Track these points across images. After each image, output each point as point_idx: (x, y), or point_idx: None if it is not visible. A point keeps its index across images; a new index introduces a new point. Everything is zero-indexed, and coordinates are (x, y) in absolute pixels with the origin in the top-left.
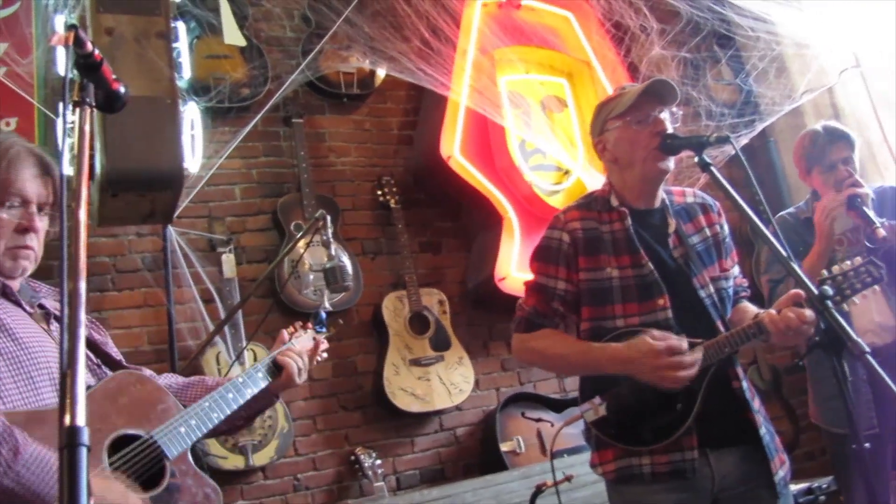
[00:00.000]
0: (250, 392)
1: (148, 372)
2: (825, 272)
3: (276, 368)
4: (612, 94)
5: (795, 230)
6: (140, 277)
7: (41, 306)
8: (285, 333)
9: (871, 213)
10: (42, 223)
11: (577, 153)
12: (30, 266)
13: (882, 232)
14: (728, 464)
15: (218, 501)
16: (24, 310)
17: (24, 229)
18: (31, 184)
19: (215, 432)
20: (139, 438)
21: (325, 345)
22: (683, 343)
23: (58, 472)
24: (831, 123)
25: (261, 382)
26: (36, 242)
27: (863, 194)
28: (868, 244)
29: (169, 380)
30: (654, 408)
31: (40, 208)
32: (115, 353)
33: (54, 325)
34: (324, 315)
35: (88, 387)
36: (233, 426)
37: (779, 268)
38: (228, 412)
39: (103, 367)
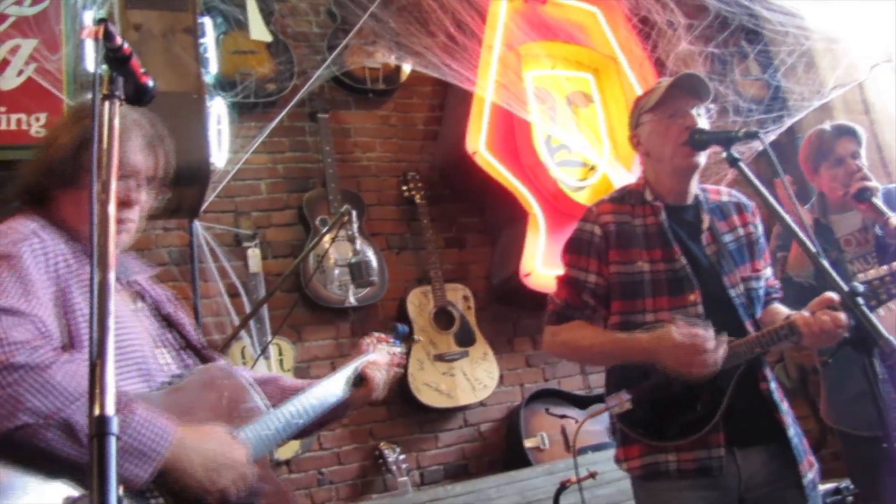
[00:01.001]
0: (334, 401)
1: (222, 360)
2: (861, 276)
3: (357, 380)
4: (649, 88)
5: (796, 236)
6: (166, 272)
7: (133, 283)
8: (366, 344)
9: (883, 206)
10: (144, 196)
11: (602, 149)
12: (127, 239)
13: (895, 221)
14: (755, 463)
15: None
16: (116, 286)
17: (125, 203)
18: (135, 156)
19: (292, 437)
20: None
21: (397, 359)
22: (709, 330)
23: (166, 431)
24: (837, 122)
25: (344, 392)
26: (136, 215)
27: (873, 187)
28: (881, 233)
29: (245, 373)
30: (681, 403)
31: (145, 181)
32: (195, 336)
33: (139, 305)
34: (404, 329)
35: (178, 376)
36: (303, 432)
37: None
38: (312, 419)
39: (183, 351)
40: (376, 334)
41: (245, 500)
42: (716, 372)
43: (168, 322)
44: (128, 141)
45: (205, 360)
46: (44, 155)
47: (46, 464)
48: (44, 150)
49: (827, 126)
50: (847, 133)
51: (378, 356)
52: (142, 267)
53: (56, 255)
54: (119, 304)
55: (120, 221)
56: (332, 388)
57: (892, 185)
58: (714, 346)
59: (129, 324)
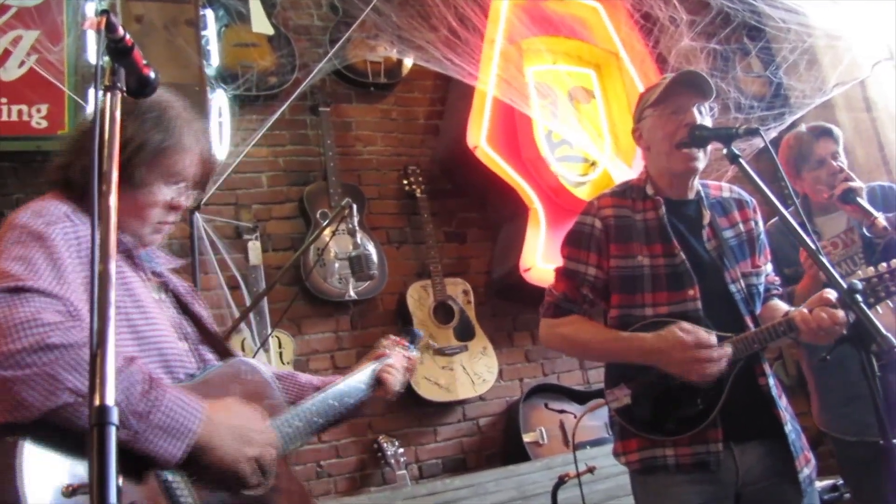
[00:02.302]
0: (353, 402)
1: (240, 353)
2: (860, 273)
3: (374, 382)
4: (654, 83)
5: (787, 236)
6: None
7: (158, 274)
8: (384, 347)
9: (868, 206)
10: (188, 200)
11: (603, 144)
12: (163, 239)
13: (882, 222)
14: (752, 458)
15: None
16: (142, 276)
17: (175, 207)
18: (193, 168)
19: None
20: None
21: (411, 363)
22: (713, 337)
23: (196, 409)
24: (812, 123)
25: (360, 394)
26: (177, 217)
27: (857, 188)
28: (868, 233)
29: (263, 368)
30: (680, 399)
31: (193, 186)
32: (213, 328)
33: (165, 296)
34: (420, 334)
35: (201, 368)
36: (321, 431)
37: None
38: (330, 419)
39: (201, 345)
40: (393, 338)
41: (264, 498)
42: (715, 379)
43: (187, 314)
44: (189, 154)
45: (222, 354)
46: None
47: (83, 443)
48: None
49: (803, 128)
50: (825, 134)
51: (395, 360)
52: (167, 259)
53: (87, 241)
54: (145, 293)
55: (164, 223)
56: (351, 388)
57: (877, 184)
58: (717, 353)
59: (154, 313)
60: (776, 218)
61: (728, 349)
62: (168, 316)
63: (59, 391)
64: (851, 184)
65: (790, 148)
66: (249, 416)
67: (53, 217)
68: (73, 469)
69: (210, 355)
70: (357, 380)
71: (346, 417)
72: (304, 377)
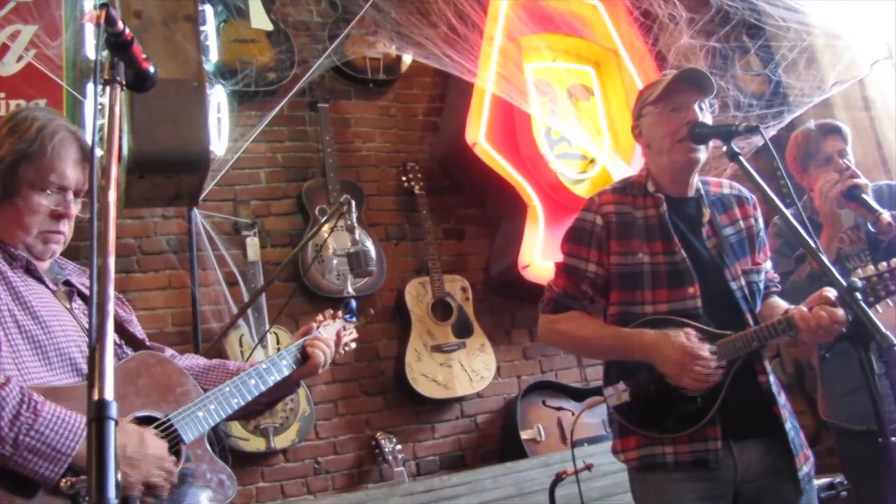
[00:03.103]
0: (273, 379)
1: (169, 352)
2: (860, 271)
3: (301, 356)
4: (654, 80)
5: (795, 230)
6: (165, 259)
7: (67, 283)
8: (313, 323)
9: (873, 202)
10: (76, 209)
11: (602, 142)
12: (59, 249)
13: (887, 218)
14: (751, 456)
15: (232, 488)
16: (48, 287)
17: (59, 216)
18: (71, 171)
19: (234, 417)
20: (156, 420)
21: (353, 334)
22: (713, 358)
23: (77, 429)
24: (821, 120)
25: (284, 370)
26: (67, 227)
27: (862, 184)
28: (872, 230)
29: (190, 361)
30: (678, 396)
31: (76, 194)
32: (139, 332)
33: (76, 304)
34: (354, 304)
35: None
36: (252, 411)
37: (785, 262)
38: (249, 398)
39: (125, 346)
40: (329, 311)
41: (175, 485)
42: (703, 391)
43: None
44: (66, 157)
45: (136, 349)
46: None
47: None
48: None
49: (811, 125)
50: (833, 131)
51: (326, 332)
52: (75, 268)
53: None
54: (53, 303)
55: (56, 233)
56: (273, 365)
57: (883, 182)
58: (714, 368)
59: (63, 321)
60: (791, 210)
61: (719, 374)
62: (80, 323)
63: None
64: (857, 181)
65: (798, 145)
66: (137, 437)
67: None
68: None
69: (130, 353)
70: (280, 356)
71: (277, 395)
72: (235, 364)
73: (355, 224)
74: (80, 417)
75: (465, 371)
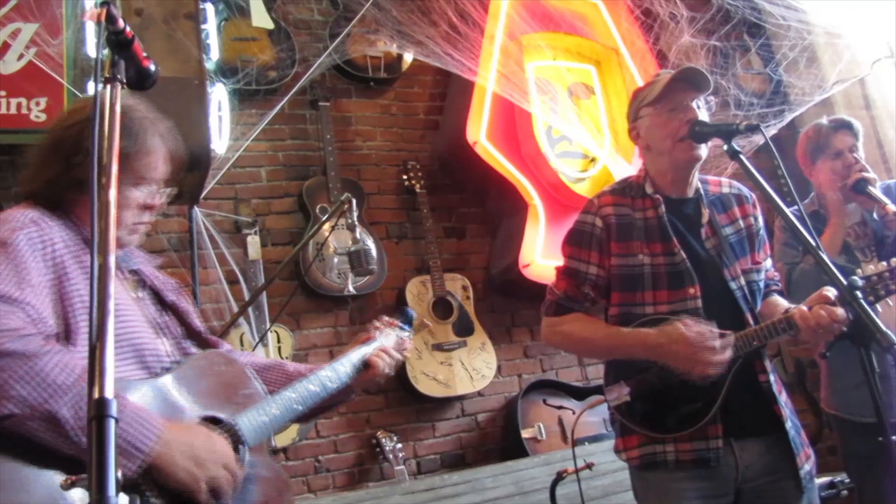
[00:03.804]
0: (335, 387)
1: (226, 347)
2: (860, 271)
3: (362, 365)
4: (648, 81)
5: (796, 229)
6: (166, 258)
7: (135, 272)
8: (374, 329)
9: (879, 194)
10: (161, 199)
11: (603, 141)
12: (139, 239)
13: (893, 208)
14: (752, 454)
15: (288, 497)
16: (118, 276)
17: (149, 207)
18: (162, 164)
19: (292, 422)
20: (220, 422)
21: (410, 345)
22: (714, 332)
23: (156, 427)
24: (834, 116)
25: (345, 377)
26: (152, 217)
27: (870, 178)
28: (879, 219)
29: (248, 358)
30: (679, 396)
31: (164, 185)
32: (198, 324)
33: (143, 293)
34: (412, 314)
35: (176, 363)
36: (304, 417)
37: (793, 253)
38: (311, 405)
39: (185, 340)
40: (385, 318)
41: (239, 488)
42: (717, 374)
43: (170, 310)
44: (158, 148)
45: (206, 348)
46: (58, 157)
47: (32, 454)
48: (56, 150)
49: (824, 120)
50: (844, 127)
51: (385, 341)
52: (144, 257)
53: (55, 243)
54: (121, 292)
55: (140, 223)
56: (335, 373)
57: (891, 181)
58: (720, 348)
59: (130, 311)
60: (790, 208)
61: (730, 339)
62: (146, 313)
63: (3, 400)
64: (864, 174)
65: (809, 139)
66: (205, 437)
67: (18, 223)
68: None
69: (194, 350)
70: (343, 363)
71: (335, 402)
72: (293, 366)
73: (356, 223)
74: (158, 416)
75: (466, 370)
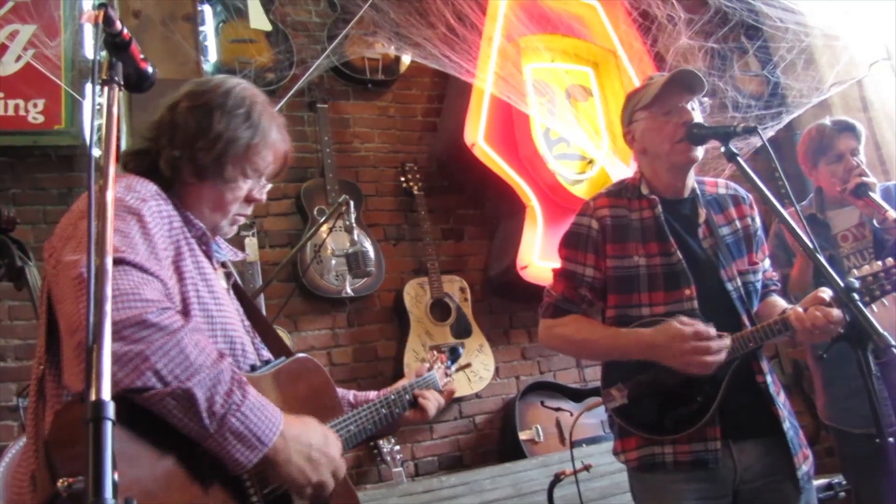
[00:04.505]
0: (397, 412)
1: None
2: (855, 271)
3: (413, 401)
4: (641, 85)
5: (793, 231)
6: None
7: (223, 265)
8: (425, 364)
9: (880, 199)
10: (263, 194)
11: (601, 142)
12: (235, 231)
13: (894, 215)
14: (751, 456)
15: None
16: (213, 265)
17: (253, 200)
18: (274, 162)
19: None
20: None
21: (452, 383)
22: (711, 329)
23: (276, 418)
24: (837, 117)
25: (403, 407)
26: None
27: (870, 183)
28: (879, 227)
29: None
30: (677, 397)
31: (268, 178)
32: (268, 322)
33: (228, 286)
34: (460, 351)
35: (266, 361)
36: (370, 439)
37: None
38: (379, 427)
39: (256, 339)
40: (437, 353)
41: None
42: (715, 370)
43: (245, 307)
44: (274, 150)
45: (275, 348)
46: (181, 138)
47: (159, 432)
48: (177, 131)
49: (827, 121)
50: (847, 129)
51: (437, 376)
52: (231, 250)
53: (173, 220)
54: (217, 283)
55: (241, 215)
56: (399, 399)
57: (891, 183)
58: (716, 345)
59: (226, 303)
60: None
61: (727, 341)
62: (235, 306)
63: (146, 371)
64: (865, 178)
65: (811, 139)
66: (322, 436)
67: (146, 193)
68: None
69: (264, 350)
70: (404, 391)
71: (389, 428)
72: (339, 391)
73: (354, 224)
74: (278, 409)
75: (464, 372)
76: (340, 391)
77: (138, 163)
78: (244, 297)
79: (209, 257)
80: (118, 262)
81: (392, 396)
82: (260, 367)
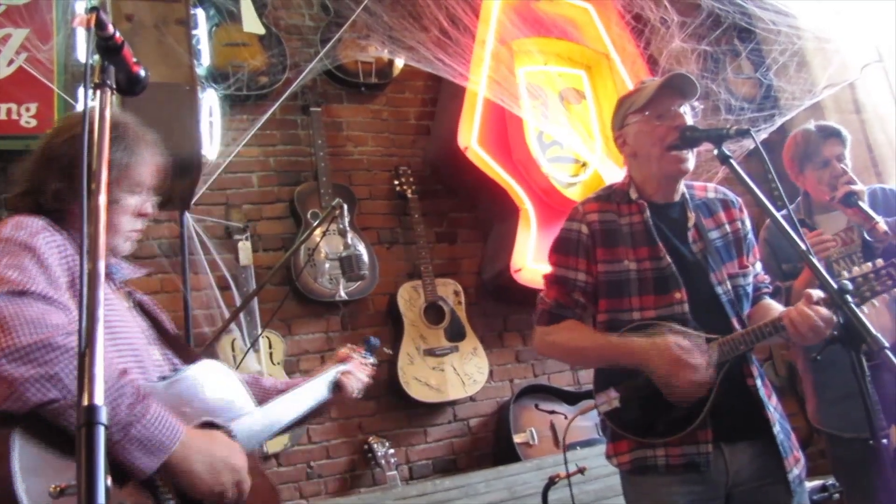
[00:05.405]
0: (315, 403)
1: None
2: (846, 273)
3: (333, 385)
4: (633, 89)
5: (786, 233)
6: (156, 263)
7: (124, 284)
8: (344, 353)
9: (869, 209)
10: (152, 206)
11: (594, 145)
12: (132, 247)
13: (883, 227)
14: (742, 458)
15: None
16: (112, 287)
17: (143, 215)
18: (152, 178)
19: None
20: (218, 428)
21: (367, 370)
22: (703, 348)
23: (176, 429)
24: (822, 122)
25: (321, 396)
26: (144, 224)
27: (859, 191)
28: (869, 238)
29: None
30: (668, 401)
31: (152, 194)
32: (176, 333)
33: (131, 304)
34: (377, 343)
35: (174, 370)
36: (286, 430)
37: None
38: (297, 417)
39: (167, 351)
40: (350, 346)
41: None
42: (699, 392)
43: (152, 321)
44: (150, 162)
45: (186, 357)
46: (56, 171)
47: (67, 444)
48: (52, 164)
49: (812, 127)
50: (833, 135)
51: (353, 365)
52: (132, 269)
53: (65, 249)
54: (116, 302)
55: (134, 231)
56: (314, 390)
57: (877, 186)
58: (705, 366)
59: (126, 320)
60: (783, 212)
61: (714, 358)
62: (138, 323)
63: (51, 387)
64: (853, 187)
65: (797, 145)
66: (227, 448)
67: (35, 228)
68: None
69: (176, 359)
70: (320, 382)
71: (308, 417)
72: (269, 381)
73: (347, 228)
74: (177, 421)
75: (458, 375)
76: (271, 382)
77: (24, 203)
78: (150, 313)
79: (112, 280)
80: (22, 293)
81: (303, 388)
82: (170, 376)
